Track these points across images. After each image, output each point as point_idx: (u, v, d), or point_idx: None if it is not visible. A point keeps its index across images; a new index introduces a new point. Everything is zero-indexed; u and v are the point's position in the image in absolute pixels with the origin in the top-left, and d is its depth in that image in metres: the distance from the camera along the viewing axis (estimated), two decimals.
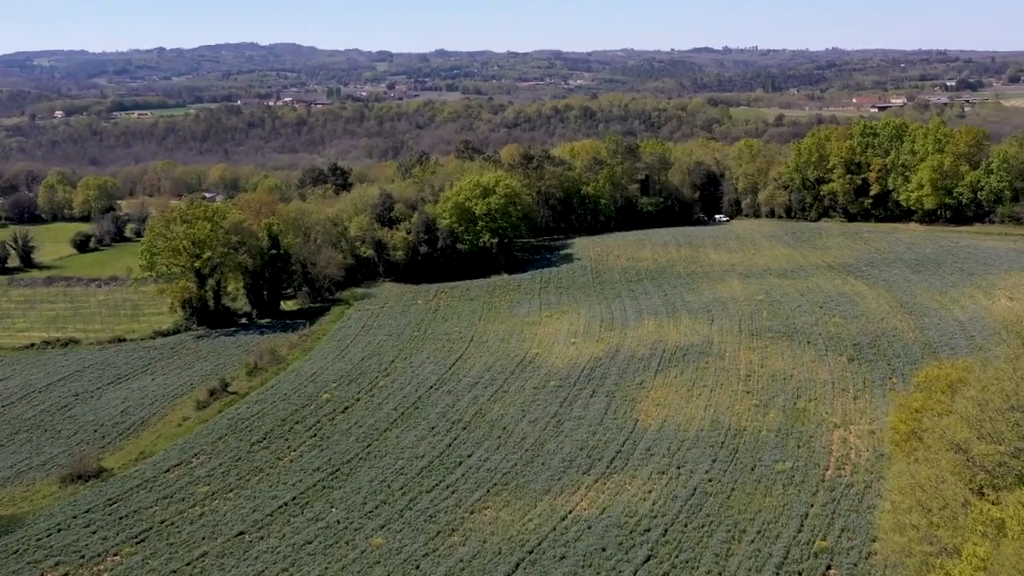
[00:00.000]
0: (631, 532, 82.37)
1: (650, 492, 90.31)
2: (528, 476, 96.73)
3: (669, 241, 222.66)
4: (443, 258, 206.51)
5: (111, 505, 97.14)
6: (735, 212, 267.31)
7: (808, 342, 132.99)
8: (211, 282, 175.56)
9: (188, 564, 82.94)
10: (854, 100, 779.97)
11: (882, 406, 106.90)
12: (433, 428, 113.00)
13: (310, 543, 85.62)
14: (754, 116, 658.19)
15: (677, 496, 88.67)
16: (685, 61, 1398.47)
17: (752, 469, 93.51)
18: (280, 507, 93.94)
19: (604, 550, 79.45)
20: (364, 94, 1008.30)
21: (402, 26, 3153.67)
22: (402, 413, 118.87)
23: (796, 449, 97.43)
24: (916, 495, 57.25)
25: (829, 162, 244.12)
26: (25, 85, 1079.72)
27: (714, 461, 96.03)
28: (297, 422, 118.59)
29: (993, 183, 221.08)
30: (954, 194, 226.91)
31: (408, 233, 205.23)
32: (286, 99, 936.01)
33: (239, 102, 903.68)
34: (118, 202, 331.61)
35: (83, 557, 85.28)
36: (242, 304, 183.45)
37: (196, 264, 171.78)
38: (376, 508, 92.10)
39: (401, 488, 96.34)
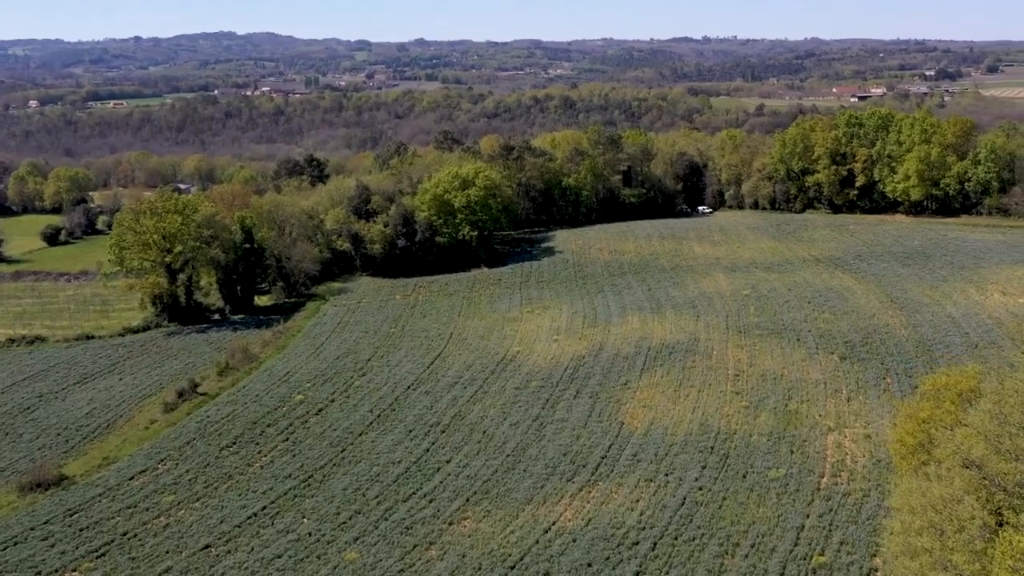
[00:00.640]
0: (618, 545, 78.06)
1: (637, 501, 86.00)
2: (509, 484, 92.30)
3: (652, 233, 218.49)
4: (421, 251, 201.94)
5: (71, 516, 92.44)
6: (718, 203, 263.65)
7: (798, 339, 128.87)
8: (182, 277, 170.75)
9: None
10: (834, 90, 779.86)
11: (877, 408, 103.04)
12: (410, 431, 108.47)
13: (280, 557, 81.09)
14: (734, 106, 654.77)
15: (666, 506, 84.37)
16: (665, 51, 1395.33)
17: (744, 476, 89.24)
18: (249, 517, 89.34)
19: (590, 565, 75.09)
20: (343, 84, 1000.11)
21: (381, 15, 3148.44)
22: (378, 415, 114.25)
23: (789, 455, 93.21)
24: (928, 516, 53.13)
25: (814, 153, 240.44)
26: None
27: (704, 467, 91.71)
28: (269, 425, 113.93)
29: (980, 174, 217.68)
30: (941, 185, 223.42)
31: (386, 226, 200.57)
32: (264, 89, 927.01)
33: (216, 92, 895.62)
34: (90, 194, 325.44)
35: (39, 574, 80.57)
36: (215, 300, 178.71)
37: (167, 259, 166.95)
38: (350, 519, 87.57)
39: (376, 497, 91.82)
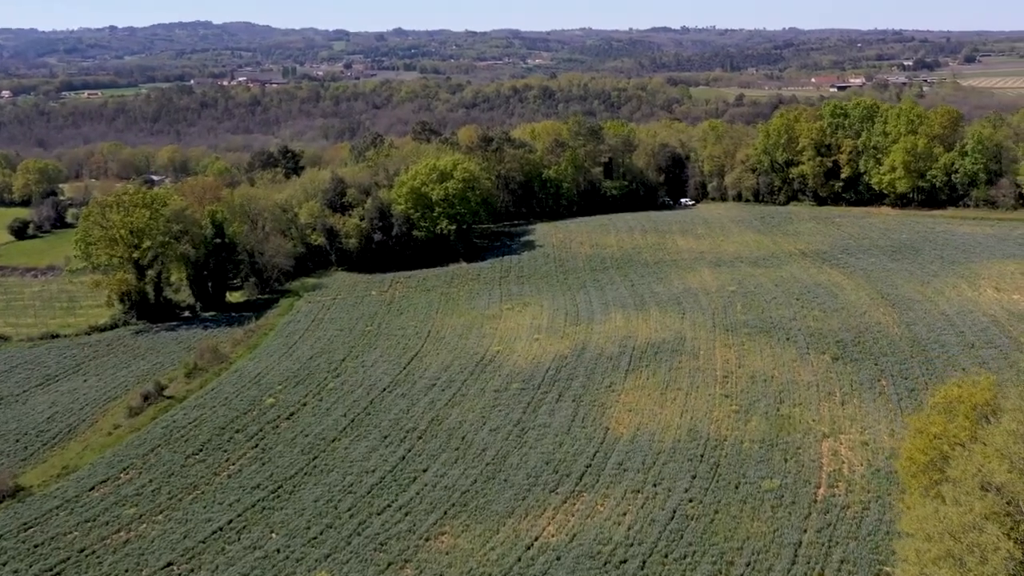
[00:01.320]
0: (605, 564, 73.53)
1: (624, 515, 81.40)
2: (489, 495, 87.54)
3: (634, 227, 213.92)
4: (398, 246, 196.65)
5: (26, 531, 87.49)
6: (701, 196, 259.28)
7: (787, 338, 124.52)
8: (151, 274, 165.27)
9: None
10: (813, 80, 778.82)
11: (873, 413, 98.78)
12: (386, 437, 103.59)
13: None
14: (714, 96, 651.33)
15: (655, 520, 79.80)
16: (643, 41, 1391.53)
17: (736, 487, 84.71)
18: (214, 532, 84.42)
19: None
20: (320, 74, 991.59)
21: (359, 5, 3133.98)
22: (352, 420, 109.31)
23: (783, 463, 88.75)
24: (946, 543, 48.70)
25: (798, 144, 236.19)
26: None
27: (694, 477, 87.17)
28: (238, 430, 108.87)
29: (968, 165, 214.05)
30: (927, 177, 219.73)
31: (361, 220, 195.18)
32: (240, 79, 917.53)
33: (192, 82, 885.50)
34: (61, 186, 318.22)
35: None
36: (185, 296, 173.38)
37: (134, 255, 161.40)
38: (321, 533, 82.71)
39: (349, 509, 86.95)
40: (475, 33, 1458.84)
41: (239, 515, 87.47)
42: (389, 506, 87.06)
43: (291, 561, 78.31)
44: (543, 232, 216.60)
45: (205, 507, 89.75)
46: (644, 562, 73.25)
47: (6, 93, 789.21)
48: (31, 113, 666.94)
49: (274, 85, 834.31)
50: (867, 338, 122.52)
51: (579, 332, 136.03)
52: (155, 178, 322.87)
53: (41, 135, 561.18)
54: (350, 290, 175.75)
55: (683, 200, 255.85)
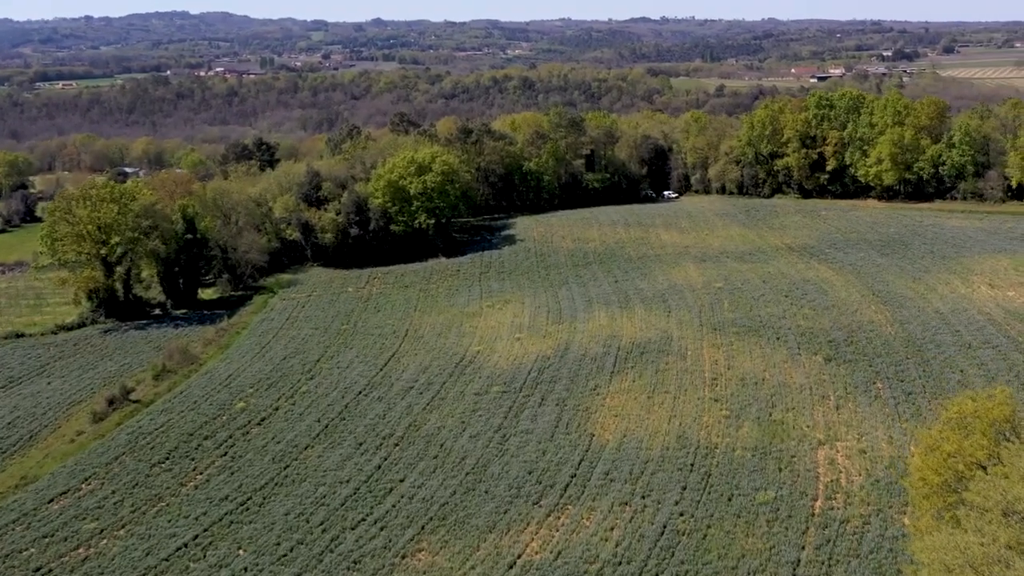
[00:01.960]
0: None
1: (612, 529, 77.03)
2: (469, 508, 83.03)
3: (617, 220, 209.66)
4: (375, 241, 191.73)
5: None
6: (684, 188, 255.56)
7: (777, 338, 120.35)
8: (120, 270, 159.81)
9: None
10: (793, 70, 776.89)
11: (869, 418, 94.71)
12: (361, 444, 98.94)
13: None
14: (695, 86, 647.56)
15: (644, 535, 75.46)
16: (623, 31, 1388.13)
17: (729, 499, 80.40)
18: (179, 548, 79.63)
19: None
20: (298, 64, 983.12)
21: None
22: (326, 426, 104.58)
23: (778, 473, 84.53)
24: None
25: (783, 136, 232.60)
26: None
27: (684, 488, 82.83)
28: (206, 437, 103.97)
29: (955, 157, 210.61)
30: (914, 169, 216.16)
31: (337, 214, 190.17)
32: (218, 69, 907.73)
33: (168, 72, 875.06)
34: (32, 179, 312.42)
35: None
36: (156, 293, 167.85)
37: (102, 251, 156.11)
38: (291, 550, 78.03)
39: (321, 524, 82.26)
40: (454, 24, 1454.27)
41: (205, 530, 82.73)
42: (364, 520, 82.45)
43: None
44: (524, 226, 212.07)
45: (170, 521, 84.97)
46: None
47: None
48: (4, 104, 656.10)
49: (252, 76, 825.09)
50: (860, 338, 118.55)
51: (562, 331, 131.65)
52: (128, 170, 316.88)
53: (14, 126, 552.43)
54: (326, 286, 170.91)
55: (666, 193, 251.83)
